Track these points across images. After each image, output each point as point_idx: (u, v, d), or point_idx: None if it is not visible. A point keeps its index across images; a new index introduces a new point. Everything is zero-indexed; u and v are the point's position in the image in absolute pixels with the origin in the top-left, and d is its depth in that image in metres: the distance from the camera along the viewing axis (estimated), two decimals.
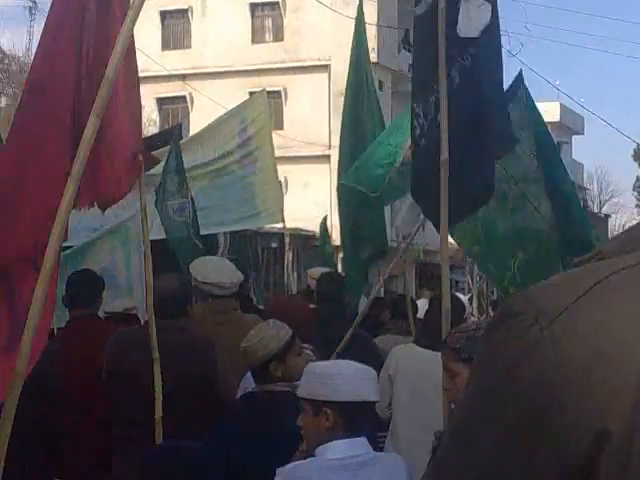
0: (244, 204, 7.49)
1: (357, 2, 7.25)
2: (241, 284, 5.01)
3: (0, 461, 2.95)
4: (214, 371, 4.11)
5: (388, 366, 4.84)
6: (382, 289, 9.35)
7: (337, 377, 2.92)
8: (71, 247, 6.74)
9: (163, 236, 6.64)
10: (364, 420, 2.95)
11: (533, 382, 0.79)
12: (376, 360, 5.04)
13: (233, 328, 4.40)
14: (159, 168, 6.22)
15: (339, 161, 7.12)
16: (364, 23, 7.09)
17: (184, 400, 3.96)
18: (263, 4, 31.79)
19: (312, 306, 5.79)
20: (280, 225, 7.12)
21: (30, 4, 39.96)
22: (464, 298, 7.67)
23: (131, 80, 3.76)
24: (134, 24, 3.21)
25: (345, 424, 2.88)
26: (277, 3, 31.34)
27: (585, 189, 51.62)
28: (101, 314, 5.83)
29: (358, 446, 2.91)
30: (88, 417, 4.41)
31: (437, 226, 4.07)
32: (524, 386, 0.80)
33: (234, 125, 7.66)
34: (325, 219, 13.66)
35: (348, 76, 6.93)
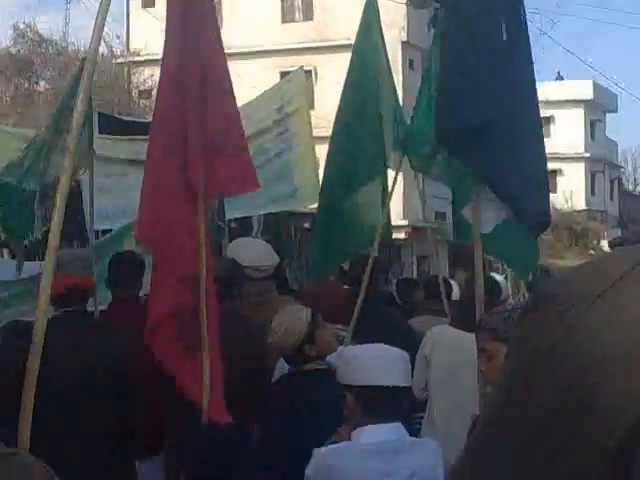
0: (279, 183, 7.39)
1: None
2: (277, 266, 4.98)
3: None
4: (266, 353, 4.08)
5: (424, 348, 4.82)
6: (415, 270, 9.27)
7: (354, 361, 2.92)
8: (110, 230, 6.78)
9: None
10: (390, 405, 2.89)
11: (570, 367, 0.78)
12: (410, 341, 5.03)
13: (271, 310, 4.39)
14: None
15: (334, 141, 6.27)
16: (376, 3, 6.51)
17: (238, 382, 3.95)
18: None
19: (346, 287, 5.76)
20: (314, 205, 6.99)
21: None
22: (500, 278, 7.55)
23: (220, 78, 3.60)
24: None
25: (369, 409, 2.85)
26: None
27: (620, 167, 51.03)
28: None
29: (393, 431, 2.89)
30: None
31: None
32: (560, 371, 0.79)
33: (271, 104, 7.58)
34: None
35: (351, 61, 6.15)
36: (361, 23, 6.19)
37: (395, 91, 6.45)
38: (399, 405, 2.95)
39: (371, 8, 6.19)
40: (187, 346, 3.39)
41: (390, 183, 6.11)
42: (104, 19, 3.19)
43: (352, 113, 5.96)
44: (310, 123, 7.46)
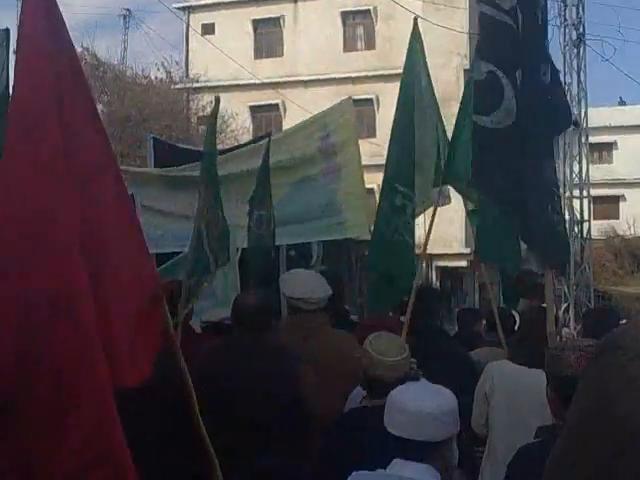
0: (327, 213, 7.43)
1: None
2: (334, 295, 4.96)
3: None
4: (299, 385, 4.05)
5: (484, 383, 4.74)
6: (477, 298, 9.18)
7: (395, 409, 2.92)
8: (160, 254, 6.85)
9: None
10: (424, 455, 2.85)
11: (630, 423, 0.77)
12: (470, 374, 4.95)
13: (321, 343, 4.37)
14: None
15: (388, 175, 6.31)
16: (421, 41, 6.38)
17: (269, 416, 3.92)
18: (354, 12, 31.91)
19: (402, 318, 5.71)
20: (365, 236, 7.02)
21: (125, 12, 41.31)
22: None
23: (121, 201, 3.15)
24: None
25: (404, 456, 2.84)
26: (368, 11, 31.41)
27: None
28: (198, 324, 5.90)
29: (420, 470, 2.84)
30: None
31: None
32: (620, 426, 0.77)
33: (315, 130, 7.61)
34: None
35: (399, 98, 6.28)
36: (407, 57, 6.34)
37: (441, 122, 6.49)
38: (435, 456, 2.89)
39: (415, 41, 6.33)
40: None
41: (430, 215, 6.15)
42: None
43: (397, 144, 6.16)
44: (359, 154, 7.49)
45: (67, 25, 3.14)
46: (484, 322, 7.52)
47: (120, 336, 2.90)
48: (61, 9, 3.13)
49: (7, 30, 6.25)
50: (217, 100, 5.90)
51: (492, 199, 4.42)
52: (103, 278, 2.88)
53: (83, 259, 2.80)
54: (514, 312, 7.58)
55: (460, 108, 5.91)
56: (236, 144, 16.08)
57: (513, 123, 3.94)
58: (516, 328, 6.57)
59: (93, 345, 2.75)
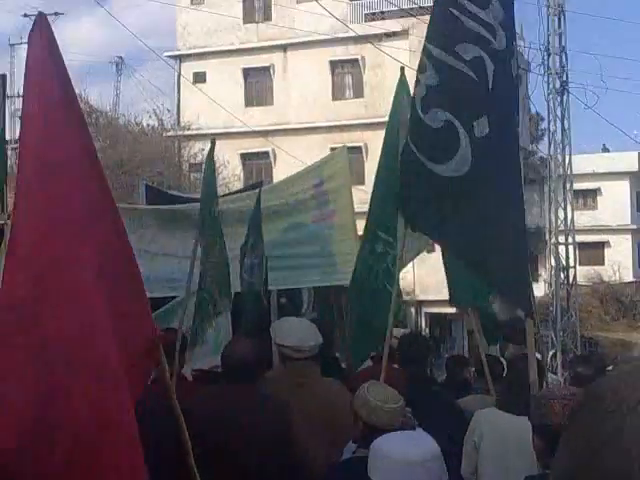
0: (319, 260, 7.47)
1: None
2: (324, 343, 4.97)
3: None
4: (288, 433, 4.03)
5: (473, 432, 4.74)
6: (466, 344, 9.20)
7: (379, 459, 2.91)
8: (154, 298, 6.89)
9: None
10: None
11: (612, 473, 0.79)
12: (459, 423, 4.97)
13: (311, 392, 4.35)
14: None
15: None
16: (408, 89, 6.22)
17: (257, 464, 3.91)
18: (343, 61, 32.28)
19: (395, 366, 5.73)
20: None
21: (117, 60, 41.65)
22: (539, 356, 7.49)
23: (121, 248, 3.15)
24: None
25: None
26: (357, 60, 31.78)
27: None
28: (189, 372, 5.89)
29: None
30: None
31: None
32: (603, 477, 0.80)
33: (310, 179, 7.69)
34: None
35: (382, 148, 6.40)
36: (393, 104, 6.39)
37: None
38: None
39: (402, 89, 6.38)
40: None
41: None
42: None
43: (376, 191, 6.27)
44: (352, 201, 7.55)
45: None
46: (473, 369, 7.54)
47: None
48: None
49: (3, 76, 6.35)
50: (212, 142, 6.04)
51: (447, 246, 4.42)
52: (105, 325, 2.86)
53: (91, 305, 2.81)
54: (502, 359, 7.61)
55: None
56: (227, 192, 16.17)
57: (469, 171, 3.97)
58: (504, 375, 6.62)
59: (122, 397, 2.75)
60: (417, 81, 4.12)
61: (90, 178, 3.10)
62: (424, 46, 4.08)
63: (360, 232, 7.99)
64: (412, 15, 27.59)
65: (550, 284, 23.15)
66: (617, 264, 40.00)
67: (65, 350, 2.75)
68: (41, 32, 3.10)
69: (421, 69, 4.07)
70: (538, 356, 7.42)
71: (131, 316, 3.05)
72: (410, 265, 16.44)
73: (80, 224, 2.95)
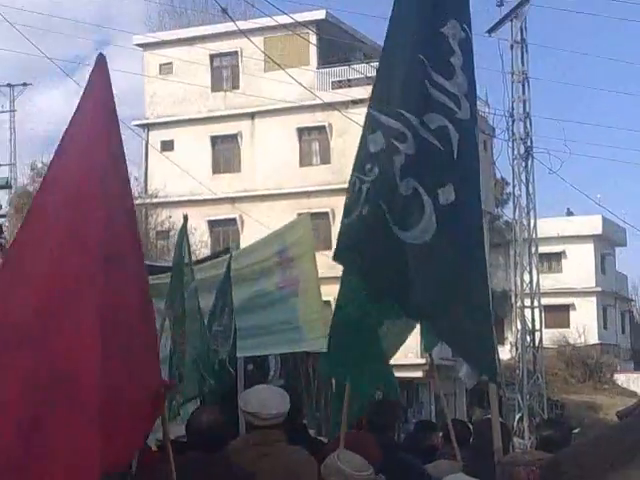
0: (285, 328, 7.49)
1: None
2: (292, 410, 4.93)
3: None
4: None
5: None
6: (433, 409, 9.18)
7: None
8: None
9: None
10: None
11: None
12: None
13: (275, 461, 4.31)
14: None
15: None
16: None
17: None
18: (310, 128, 32.69)
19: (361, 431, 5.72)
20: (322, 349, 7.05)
21: None
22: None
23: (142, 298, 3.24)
24: None
25: None
26: (324, 127, 32.20)
27: (630, 300, 50.90)
28: (154, 442, 5.83)
29: None
30: None
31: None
32: None
33: (273, 246, 7.75)
34: None
35: None
36: None
37: None
38: None
39: None
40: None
41: None
42: None
43: None
44: (316, 269, 7.60)
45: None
46: (440, 434, 7.54)
47: (114, 422, 2.90)
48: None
49: None
50: (185, 218, 6.11)
51: (409, 312, 4.46)
52: (112, 364, 2.86)
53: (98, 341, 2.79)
54: (469, 424, 7.63)
55: None
56: (195, 259, 16.13)
57: (430, 240, 4.05)
58: (471, 440, 6.63)
59: (92, 428, 2.72)
60: (395, 149, 4.19)
61: (117, 214, 3.13)
62: (401, 114, 4.14)
63: (325, 298, 8.02)
64: None
65: (516, 347, 23.26)
66: (582, 326, 40.32)
67: (49, 380, 2.75)
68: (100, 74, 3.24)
69: (399, 139, 4.14)
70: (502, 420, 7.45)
71: (138, 362, 3.06)
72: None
73: (101, 258, 2.92)
